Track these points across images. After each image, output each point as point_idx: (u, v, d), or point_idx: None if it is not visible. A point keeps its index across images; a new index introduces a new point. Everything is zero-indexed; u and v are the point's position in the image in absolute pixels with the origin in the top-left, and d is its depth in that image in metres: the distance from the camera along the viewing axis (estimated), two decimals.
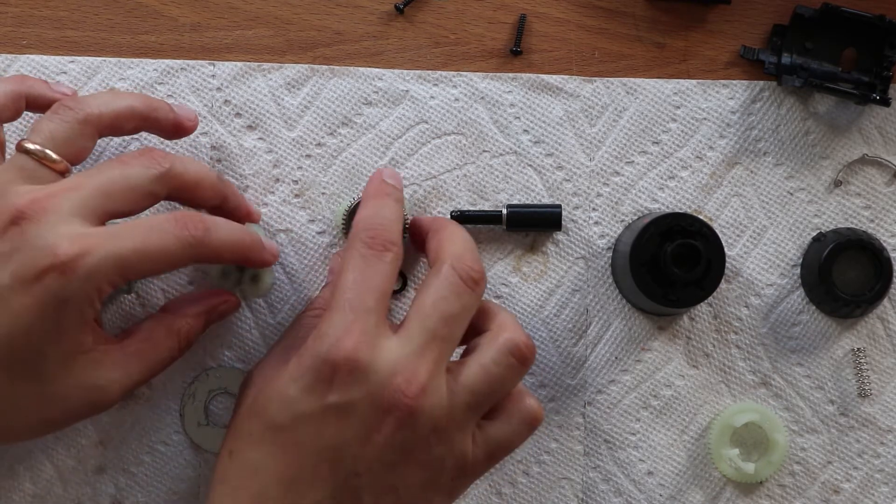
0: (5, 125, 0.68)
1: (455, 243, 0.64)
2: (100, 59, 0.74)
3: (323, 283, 0.75)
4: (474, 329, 0.64)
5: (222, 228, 0.63)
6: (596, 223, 0.76)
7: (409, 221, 0.70)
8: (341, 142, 0.75)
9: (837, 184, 0.77)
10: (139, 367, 0.63)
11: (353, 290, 0.60)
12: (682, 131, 0.76)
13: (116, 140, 0.74)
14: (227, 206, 0.69)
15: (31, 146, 0.62)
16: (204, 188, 0.66)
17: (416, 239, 0.70)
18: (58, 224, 0.59)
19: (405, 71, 0.76)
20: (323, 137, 0.75)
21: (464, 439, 0.60)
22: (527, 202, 0.75)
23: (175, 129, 0.69)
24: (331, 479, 0.58)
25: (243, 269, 0.73)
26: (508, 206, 0.74)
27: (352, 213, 0.73)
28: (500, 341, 0.62)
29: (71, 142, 0.63)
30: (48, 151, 0.62)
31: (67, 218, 0.59)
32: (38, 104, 0.68)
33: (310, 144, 0.75)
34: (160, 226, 0.61)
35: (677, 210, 0.76)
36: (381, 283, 0.61)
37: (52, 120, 0.63)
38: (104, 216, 0.61)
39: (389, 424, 0.58)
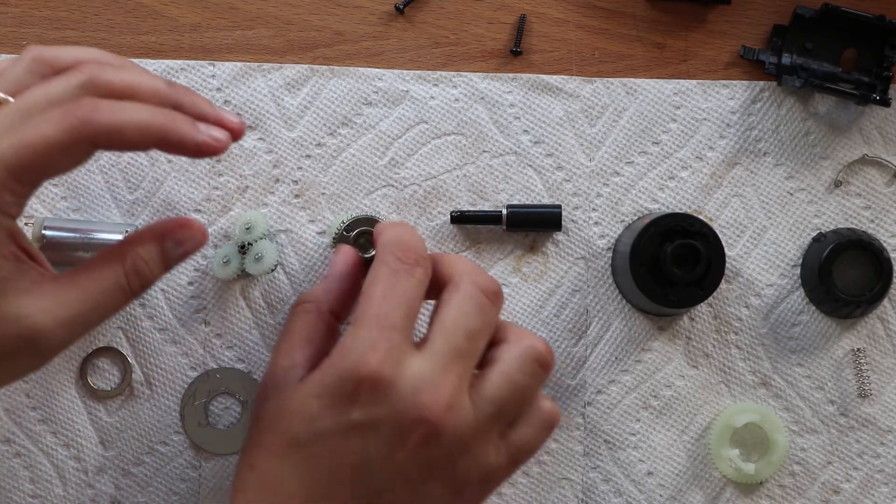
0: None
1: (465, 262, 0.62)
2: None
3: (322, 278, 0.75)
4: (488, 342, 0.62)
5: (119, 106, 0.56)
6: (596, 223, 0.76)
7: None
8: (341, 142, 0.75)
9: (837, 184, 0.76)
10: (77, 297, 0.57)
11: (380, 305, 0.58)
12: (682, 131, 0.76)
13: None
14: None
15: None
16: (141, 95, 0.57)
17: None
18: None
19: (405, 71, 0.76)
20: (323, 138, 0.75)
21: (488, 451, 0.59)
22: (527, 202, 0.75)
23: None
24: (352, 496, 0.57)
25: (245, 252, 0.73)
26: (508, 207, 0.74)
27: (349, 227, 0.72)
28: (523, 349, 0.60)
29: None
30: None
31: None
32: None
33: (310, 145, 0.75)
34: (43, 114, 0.55)
35: (677, 210, 0.76)
36: (410, 300, 0.59)
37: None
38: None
39: (414, 442, 0.57)
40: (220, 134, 0.59)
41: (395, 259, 0.60)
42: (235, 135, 0.60)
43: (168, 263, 0.60)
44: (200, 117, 0.59)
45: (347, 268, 0.64)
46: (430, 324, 0.60)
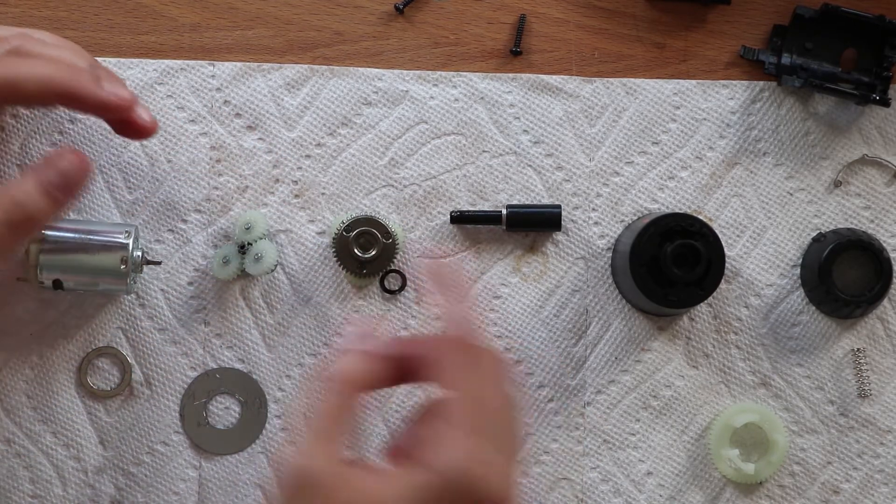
0: None
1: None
2: (100, 59, 0.74)
3: (321, 284, 0.75)
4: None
5: (23, 61, 0.57)
6: (596, 223, 0.76)
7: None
8: (341, 142, 0.75)
9: (837, 184, 0.76)
10: None
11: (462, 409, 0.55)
12: (682, 131, 0.76)
13: None
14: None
15: None
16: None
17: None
18: None
19: (405, 71, 0.76)
20: (323, 138, 0.75)
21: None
22: (527, 202, 0.75)
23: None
24: None
25: (245, 252, 0.73)
26: (508, 207, 0.74)
27: (349, 227, 0.72)
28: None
29: None
30: None
31: None
32: None
33: (309, 145, 0.75)
34: None
35: (677, 210, 0.76)
36: None
37: None
38: None
39: None
40: (125, 93, 0.60)
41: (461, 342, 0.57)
42: (143, 124, 0.61)
43: (49, 192, 0.60)
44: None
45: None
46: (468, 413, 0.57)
